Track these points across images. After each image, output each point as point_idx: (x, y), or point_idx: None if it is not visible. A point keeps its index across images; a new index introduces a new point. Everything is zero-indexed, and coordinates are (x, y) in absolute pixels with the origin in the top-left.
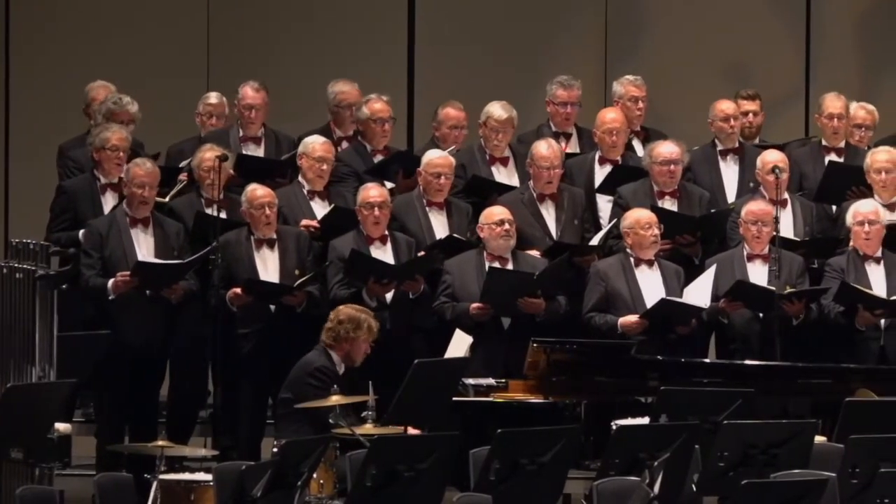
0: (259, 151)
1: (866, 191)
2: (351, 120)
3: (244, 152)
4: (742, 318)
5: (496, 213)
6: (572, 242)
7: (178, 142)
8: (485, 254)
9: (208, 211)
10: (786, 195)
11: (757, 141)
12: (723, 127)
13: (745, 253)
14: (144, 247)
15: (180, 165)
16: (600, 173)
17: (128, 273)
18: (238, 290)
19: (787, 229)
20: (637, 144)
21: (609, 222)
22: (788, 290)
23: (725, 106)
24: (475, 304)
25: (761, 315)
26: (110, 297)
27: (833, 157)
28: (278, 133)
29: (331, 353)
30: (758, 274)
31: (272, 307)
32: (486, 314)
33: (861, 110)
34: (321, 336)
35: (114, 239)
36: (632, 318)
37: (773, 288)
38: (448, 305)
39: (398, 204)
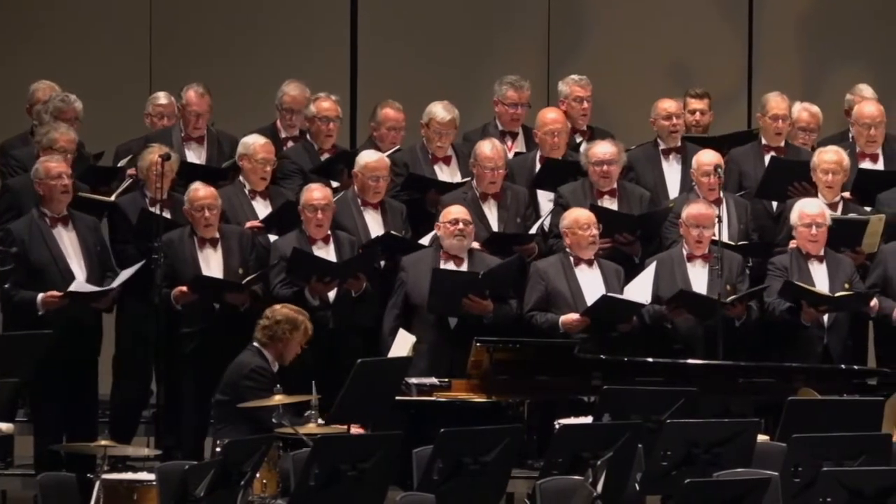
0: (201, 152)
1: (809, 187)
2: (291, 124)
3: (186, 152)
4: (685, 319)
5: (452, 212)
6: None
7: (126, 141)
8: (440, 252)
9: (153, 210)
10: (720, 194)
11: None
12: (665, 125)
13: (684, 253)
14: (69, 245)
15: (119, 164)
16: None
17: (58, 294)
18: (184, 288)
19: (721, 228)
20: (583, 143)
21: (550, 221)
22: (731, 297)
23: (667, 104)
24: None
25: None
26: (40, 314)
27: (773, 155)
28: (220, 134)
29: (264, 351)
30: (698, 274)
31: (216, 306)
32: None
33: (804, 112)
34: (255, 334)
35: (36, 242)
36: (573, 317)
37: (717, 293)
38: (387, 318)
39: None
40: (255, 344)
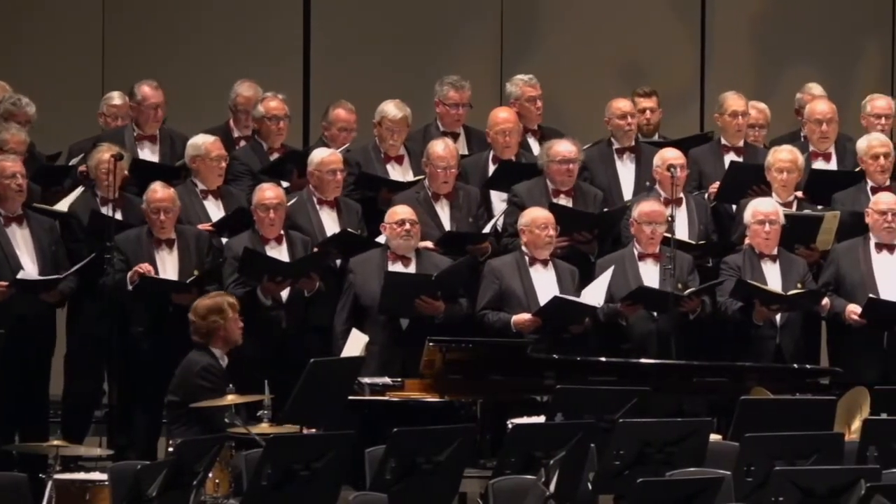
0: (154, 150)
1: (766, 189)
2: (245, 125)
3: (139, 151)
4: (638, 317)
5: (399, 212)
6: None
7: (79, 140)
8: (388, 252)
9: (104, 210)
10: (680, 194)
11: (656, 137)
12: (619, 125)
13: (636, 252)
14: (23, 244)
15: (70, 164)
16: None
17: (4, 284)
18: (142, 268)
19: (681, 227)
20: (533, 143)
21: (504, 220)
22: (688, 290)
23: (622, 104)
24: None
25: (655, 314)
26: None
27: (732, 155)
28: (173, 133)
29: (210, 348)
30: (650, 273)
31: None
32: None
33: (752, 109)
34: (193, 338)
35: None
36: (525, 316)
37: (670, 290)
38: (338, 320)
39: (290, 205)
40: (200, 345)
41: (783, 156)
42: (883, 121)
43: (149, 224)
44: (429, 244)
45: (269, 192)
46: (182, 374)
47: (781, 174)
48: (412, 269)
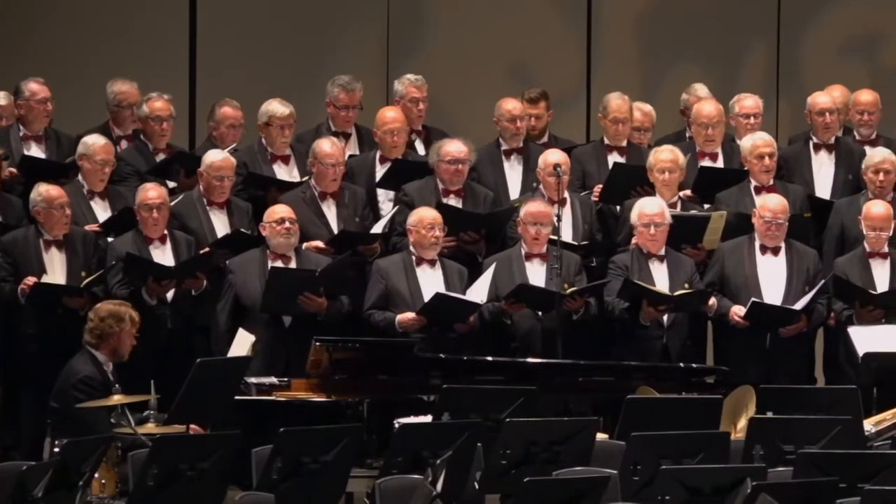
0: (41, 150)
1: (650, 190)
2: (132, 119)
3: (25, 151)
4: (522, 315)
5: (278, 211)
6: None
7: None
8: (267, 252)
9: None
10: (565, 194)
11: (546, 139)
12: (508, 127)
13: (522, 252)
14: None
15: None
16: (381, 171)
17: None
18: (30, 282)
19: (565, 227)
20: (418, 143)
21: (393, 219)
22: (570, 289)
23: (511, 106)
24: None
25: (540, 314)
26: None
27: (615, 155)
28: (59, 132)
29: (95, 353)
30: (536, 273)
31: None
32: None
33: (637, 112)
34: (84, 337)
35: None
36: (409, 315)
37: (555, 290)
38: (219, 321)
39: (178, 204)
40: (88, 347)
41: (664, 156)
42: (752, 120)
43: (44, 223)
44: (319, 244)
45: (151, 192)
46: (61, 383)
47: (663, 174)
48: (293, 266)
